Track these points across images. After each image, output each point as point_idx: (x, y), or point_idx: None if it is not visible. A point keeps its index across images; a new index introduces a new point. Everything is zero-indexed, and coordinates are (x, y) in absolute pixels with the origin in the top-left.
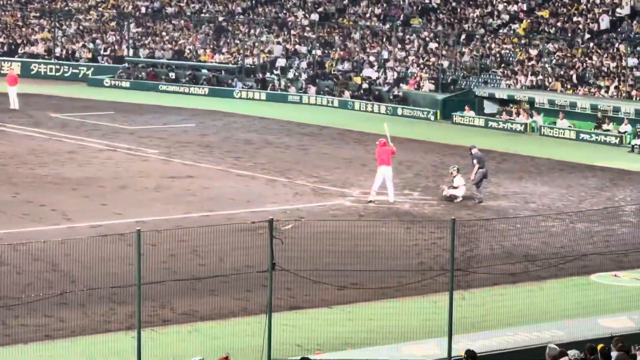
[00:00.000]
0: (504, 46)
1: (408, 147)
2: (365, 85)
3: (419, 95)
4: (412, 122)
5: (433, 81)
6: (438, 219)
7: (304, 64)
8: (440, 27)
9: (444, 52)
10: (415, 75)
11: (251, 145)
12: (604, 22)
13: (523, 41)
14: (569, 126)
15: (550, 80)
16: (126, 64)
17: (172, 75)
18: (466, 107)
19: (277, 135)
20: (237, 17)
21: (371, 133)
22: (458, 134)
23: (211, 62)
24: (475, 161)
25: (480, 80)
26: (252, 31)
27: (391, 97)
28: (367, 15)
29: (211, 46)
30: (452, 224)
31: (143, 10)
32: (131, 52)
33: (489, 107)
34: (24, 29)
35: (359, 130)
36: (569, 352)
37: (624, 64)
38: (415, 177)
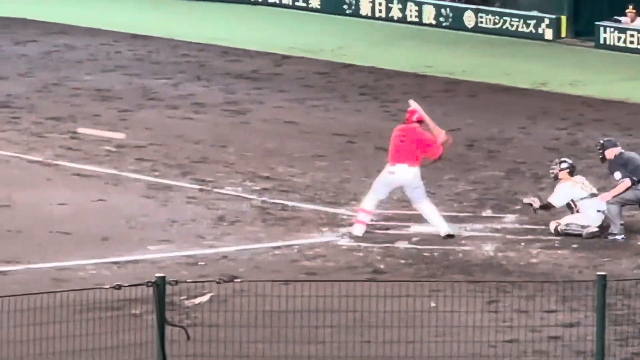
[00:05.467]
0: None
1: (485, 107)
2: None
3: None
4: (496, 46)
5: None
6: (565, 276)
7: None
8: None
9: None
10: None
11: (108, 104)
12: None
13: None
14: None
15: None
16: None
17: None
18: (630, 8)
19: (169, 74)
20: None
21: (405, 73)
22: (613, 75)
23: None
24: (617, 171)
25: None
26: None
27: None
28: None
29: None
30: (601, 287)
31: None
32: None
33: None
34: None
35: (371, 64)
36: None
37: None
38: (508, 177)
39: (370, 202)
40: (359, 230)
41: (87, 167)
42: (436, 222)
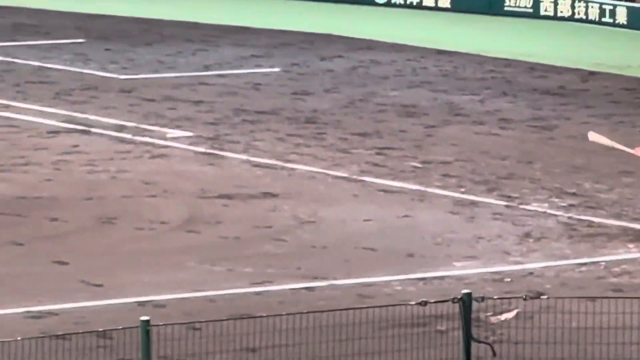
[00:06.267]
0: None
1: None
2: None
3: None
4: None
5: None
6: None
7: None
8: None
9: None
10: None
11: (414, 120)
12: None
13: None
14: None
15: None
16: None
17: None
18: None
19: (475, 90)
20: None
21: None
22: None
23: None
24: None
25: None
26: None
27: None
28: None
29: None
30: None
31: None
32: None
33: None
34: None
35: None
36: None
37: None
38: None
39: None
40: None
41: (392, 183)
42: None
